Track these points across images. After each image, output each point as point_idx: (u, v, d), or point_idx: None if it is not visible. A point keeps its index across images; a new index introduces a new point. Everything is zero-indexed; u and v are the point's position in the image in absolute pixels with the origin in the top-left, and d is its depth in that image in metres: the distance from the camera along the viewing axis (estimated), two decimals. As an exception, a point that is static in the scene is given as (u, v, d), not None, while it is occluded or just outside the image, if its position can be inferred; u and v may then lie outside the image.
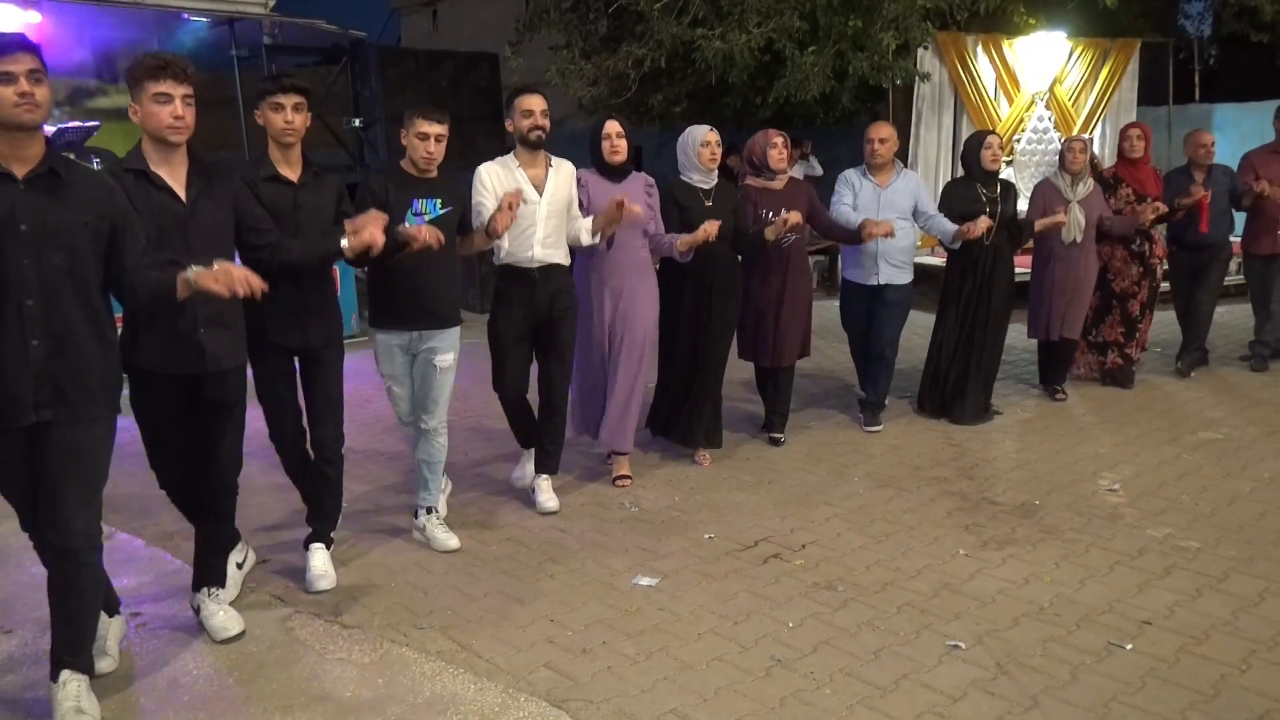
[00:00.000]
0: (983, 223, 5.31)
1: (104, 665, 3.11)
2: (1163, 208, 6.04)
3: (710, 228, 4.50)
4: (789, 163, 5.37)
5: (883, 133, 5.49)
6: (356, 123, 11.44)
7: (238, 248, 3.27)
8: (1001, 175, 5.76)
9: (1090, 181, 6.05)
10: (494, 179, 4.28)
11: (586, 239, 4.45)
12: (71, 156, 7.93)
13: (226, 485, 3.39)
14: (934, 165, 10.06)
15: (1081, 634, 3.24)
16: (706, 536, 4.14)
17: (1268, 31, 10.77)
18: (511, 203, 3.98)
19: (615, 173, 4.63)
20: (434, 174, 4.00)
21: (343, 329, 3.86)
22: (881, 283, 5.51)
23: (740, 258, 5.08)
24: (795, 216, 4.81)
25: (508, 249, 4.33)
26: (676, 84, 11.42)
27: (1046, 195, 6.03)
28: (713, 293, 4.90)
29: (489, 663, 3.15)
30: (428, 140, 3.92)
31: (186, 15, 9.32)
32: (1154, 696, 2.88)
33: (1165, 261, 6.46)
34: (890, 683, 2.98)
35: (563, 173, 4.40)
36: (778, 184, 5.19)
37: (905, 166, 5.69)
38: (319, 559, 3.77)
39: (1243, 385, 6.41)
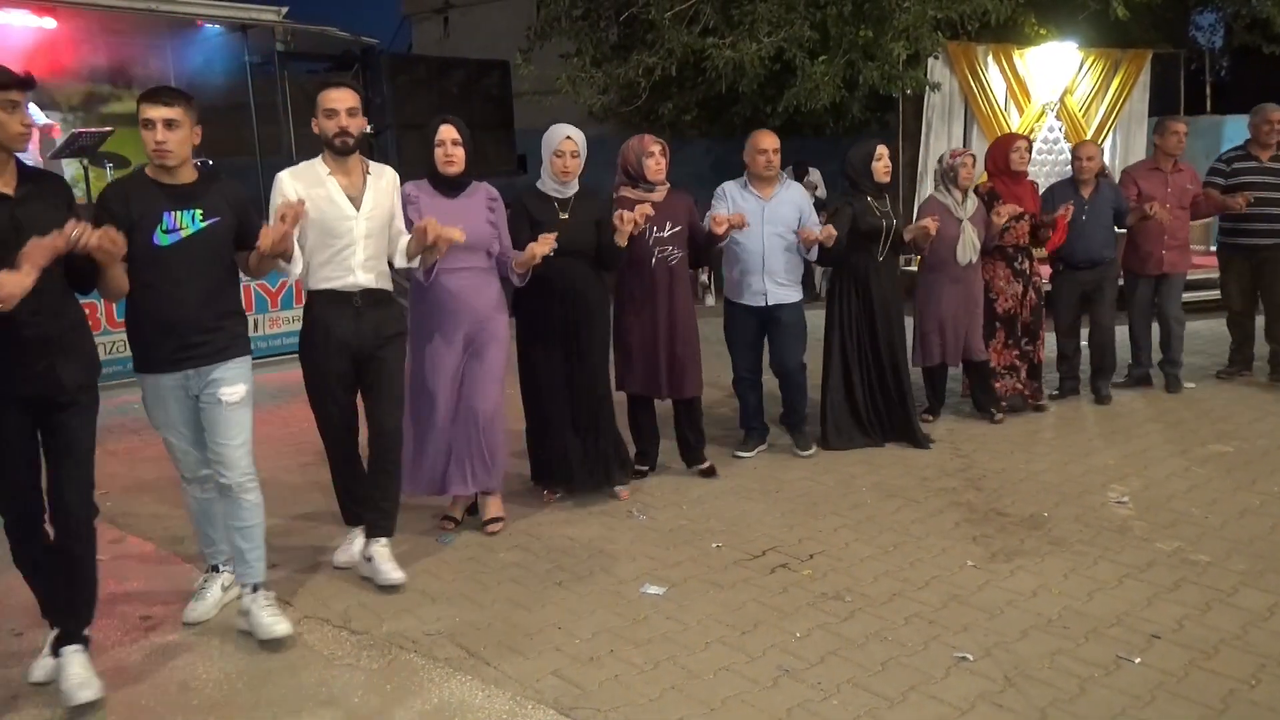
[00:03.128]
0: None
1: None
2: (1016, 209, 5.66)
3: (537, 248, 4.06)
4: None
5: (773, 143, 5.08)
6: (368, 129, 11.48)
7: None
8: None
9: (974, 198, 5.72)
10: (297, 189, 3.62)
11: (400, 261, 3.85)
12: (86, 161, 7.92)
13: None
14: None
15: (1090, 647, 3.24)
16: (714, 546, 4.14)
17: (1279, 43, 10.74)
18: (285, 214, 3.30)
19: (449, 185, 4.09)
20: (190, 178, 3.30)
21: (98, 369, 3.15)
22: (771, 304, 5.11)
23: (606, 277, 4.62)
24: (643, 210, 4.34)
25: (322, 272, 3.69)
26: (687, 93, 11.46)
27: (934, 213, 5.54)
28: (578, 316, 4.43)
29: (497, 670, 3.16)
30: (153, 129, 3.16)
31: (200, 22, 9.38)
32: (1162, 711, 2.87)
33: (1047, 281, 6.18)
34: (898, 694, 2.98)
35: (384, 182, 3.81)
36: (656, 195, 4.68)
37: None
38: (77, 664, 3.01)
39: (1252, 398, 6.38)
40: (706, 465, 5.06)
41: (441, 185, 4.10)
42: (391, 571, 3.77)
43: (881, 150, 5.31)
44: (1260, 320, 6.73)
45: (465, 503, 4.42)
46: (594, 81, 10.16)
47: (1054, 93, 10.39)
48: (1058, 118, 10.50)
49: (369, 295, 3.75)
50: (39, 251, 2.71)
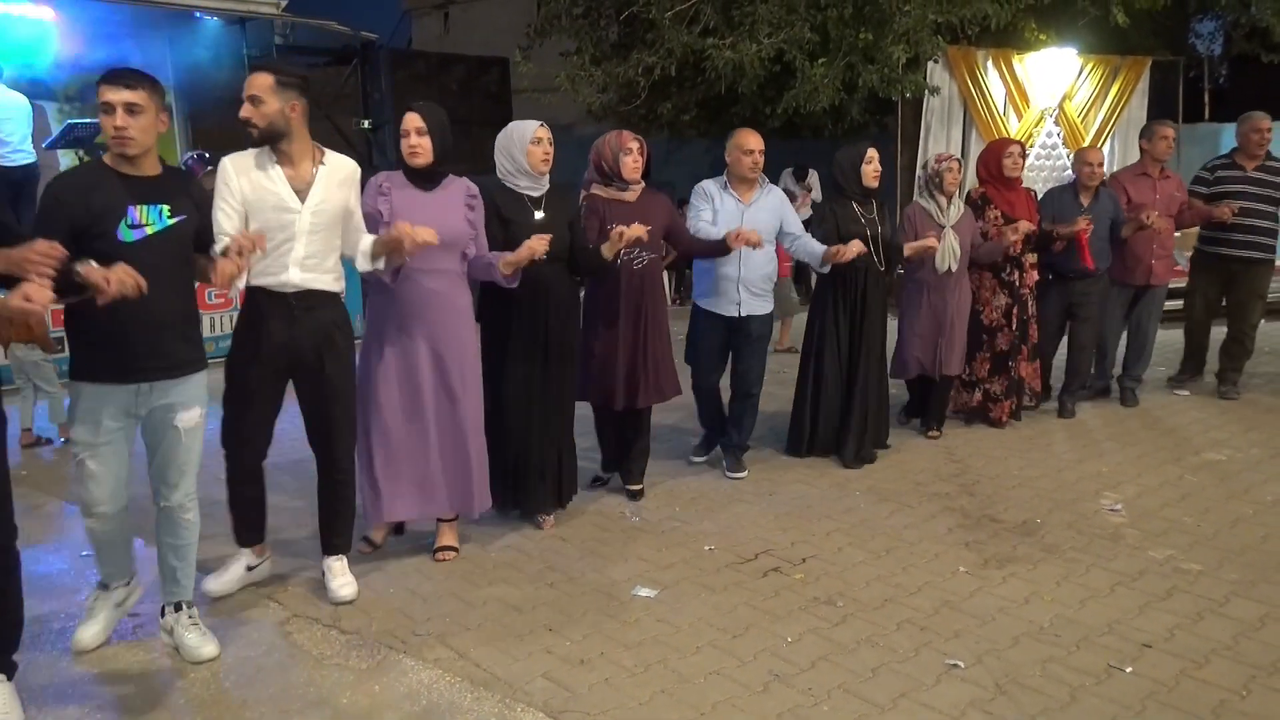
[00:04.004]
0: (855, 246, 4.79)
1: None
2: (1031, 227, 5.52)
3: (536, 244, 3.79)
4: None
5: (760, 143, 4.82)
6: (365, 124, 11.47)
7: None
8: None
9: (961, 204, 5.53)
10: (241, 178, 3.37)
11: (364, 264, 3.59)
12: (82, 151, 7.90)
13: None
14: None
15: (1081, 655, 3.23)
16: (707, 548, 4.13)
17: (1278, 52, 10.76)
18: (243, 246, 3.03)
19: (423, 177, 3.81)
20: (155, 170, 3.05)
21: None
22: (744, 314, 4.87)
23: (579, 280, 4.41)
24: (637, 229, 4.11)
25: (258, 268, 3.39)
26: (686, 93, 11.44)
27: (917, 220, 5.42)
28: (548, 323, 4.17)
29: (487, 672, 3.14)
30: (112, 113, 2.94)
31: (199, 14, 9.35)
32: (1153, 720, 2.87)
33: (1035, 292, 5.89)
34: (889, 700, 2.97)
35: (338, 174, 3.51)
36: (630, 195, 4.45)
37: (771, 183, 5.06)
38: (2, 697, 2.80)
39: (1246, 407, 6.39)
40: (637, 488, 4.74)
41: (415, 177, 3.82)
42: (341, 589, 3.61)
43: (872, 153, 5.10)
44: (1214, 332, 6.63)
45: (388, 528, 4.13)
46: (593, 80, 10.15)
47: (1053, 98, 10.42)
48: (1056, 123, 10.53)
49: (307, 297, 3.44)
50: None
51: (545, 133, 4.11)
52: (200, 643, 3.20)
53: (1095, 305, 6.07)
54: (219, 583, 3.69)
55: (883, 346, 5.29)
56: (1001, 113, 10.25)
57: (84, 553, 4.05)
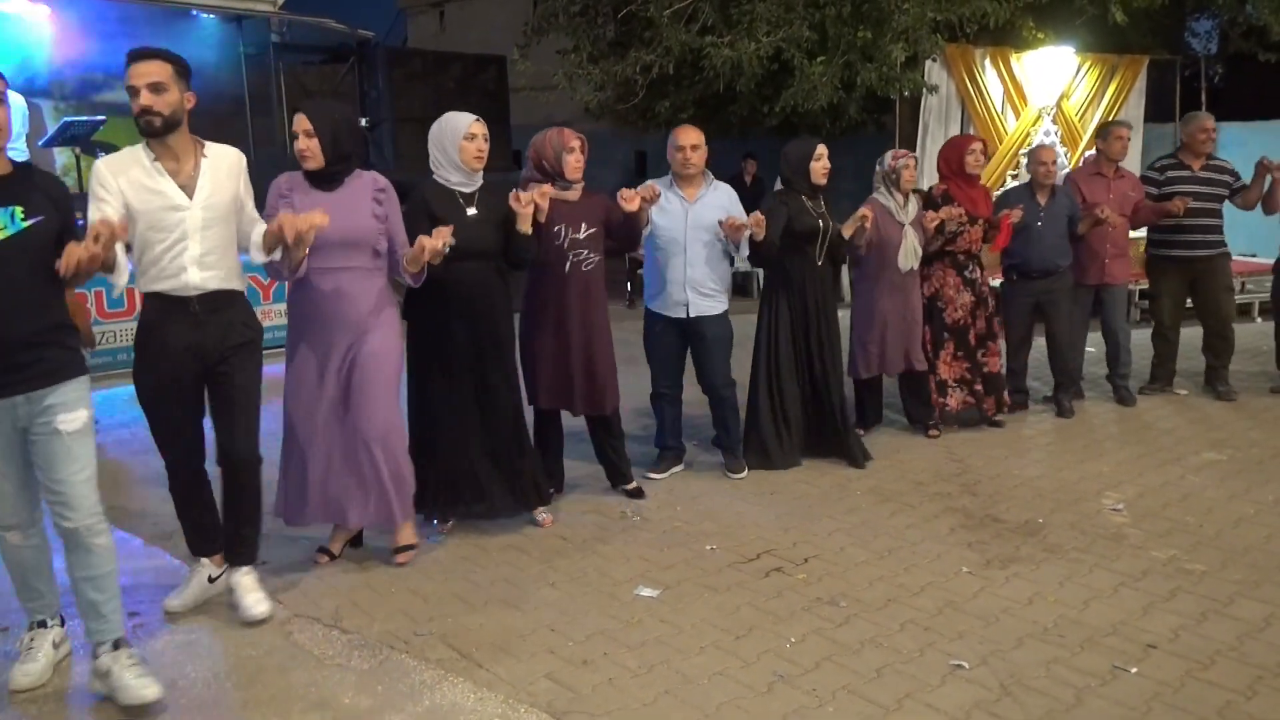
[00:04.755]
0: (863, 212, 4.86)
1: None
2: (954, 213, 5.40)
3: (429, 241, 3.61)
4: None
5: (693, 138, 4.69)
6: (363, 122, 11.44)
7: None
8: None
9: (916, 202, 5.44)
10: (120, 180, 3.17)
11: (257, 255, 3.41)
12: (78, 150, 7.86)
13: None
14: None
15: (1086, 656, 3.22)
16: (709, 548, 4.12)
17: (1275, 51, 10.78)
18: (100, 234, 2.71)
19: (320, 179, 3.65)
20: (4, 170, 2.86)
21: None
22: (693, 315, 4.74)
23: (512, 282, 4.25)
24: (546, 189, 4.00)
25: (151, 272, 3.22)
26: (684, 91, 11.42)
27: (876, 216, 5.25)
28: (482, 326, 4.04)
29: (489, 672, 3.13)
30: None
31: (195, 11, 9.33)
32: (1159, 721, 2.86)
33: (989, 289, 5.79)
34: (893, 702, 2.96)
35: (223, 164, 3.32)
36: (572, 195, 4.35)
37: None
38: None
39: (1247, 406, 6.38)
40: (633, 486, 4.71)
41: (314, 178, 3.66)
42: (255, 605, 3.41)
43: (821, 150, 4.97)
44: (1185, 333, 6.60)
45: (346, 535, 3.98)
46: (591, 78, 10.14)
47: (1050, 97, 10.42)
48: (1054, 122, 10.52)
49: (210, 299, 3.27)
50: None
51: (481, 129, 3.99)
52: (142, 685, 2.87)
53: (1065, 302, 6.01)
54: (180, 600, 3.53)
55: (838, 345, 5.17)
56: (999, 111, 10.24)
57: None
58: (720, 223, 4.69)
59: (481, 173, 4.06)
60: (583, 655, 3.23)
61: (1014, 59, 10.22)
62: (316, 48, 11.54)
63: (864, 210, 5.13)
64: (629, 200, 4.31)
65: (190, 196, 3.22)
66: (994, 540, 4.19)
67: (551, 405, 4.52)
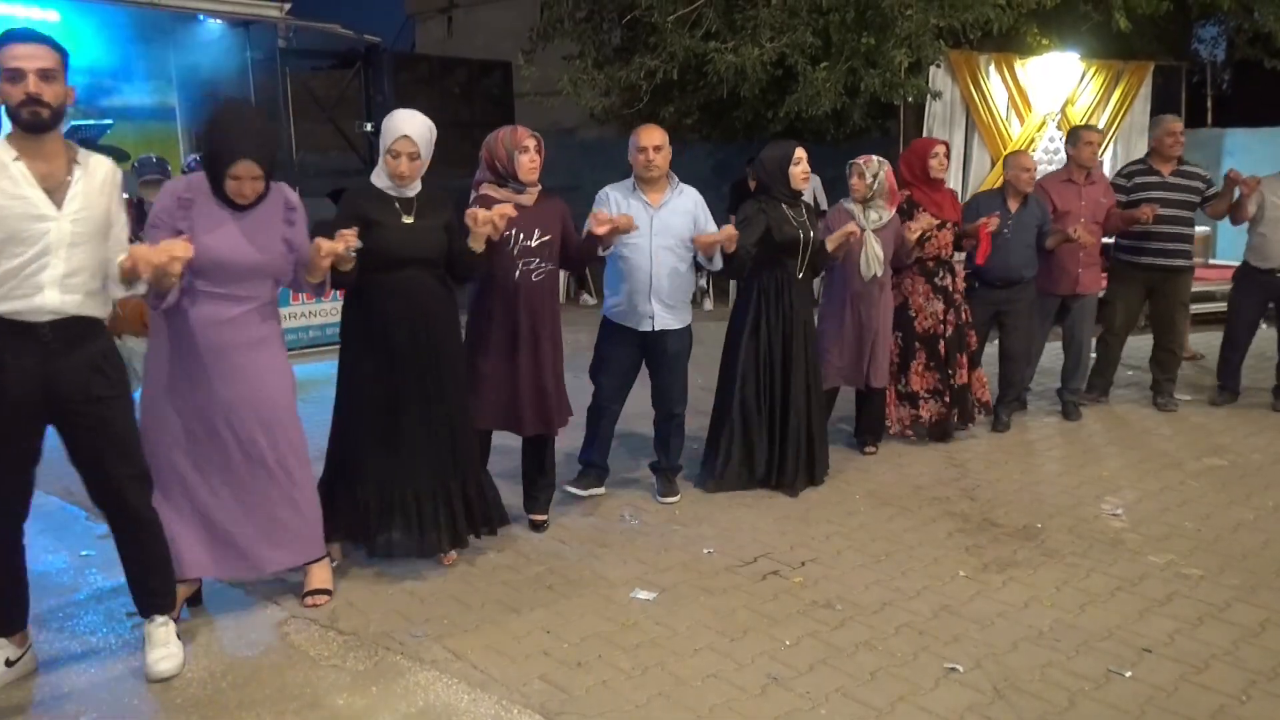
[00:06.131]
0: (850, 227, 4.64)
1: None
2: (932, 221, 5.28)
3: (327, 245, 3.27)
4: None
5: (656, 138, 4.40)
6: (368, 127, 11.49)
7: None
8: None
9: (885, 208, 5.16)
10: None
11: (115, 288, 2.97)
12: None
13: None
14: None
15: (1081, 660, 3.22)
16: (706, 551, 4.12)
17: (1281, 58, 10.76)
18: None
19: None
20: None
21: None
22: (658, 329, 4.45)
23: (456, 291, 3.91)
24: (506, 209, 3.69)
25: (1, 292, 2.76)
26: (688, 96, 11.44)
27: (840, 222, 5.06)
28: (423, 340, 3.68)
29: (483, 673, 3.14)
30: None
31: (202, 16, 9.37)
32: (1152, 726, 2.86)
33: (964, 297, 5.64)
34: (887, 704, 2.96)
35: (98, 177, 2.90)
36: (526, 198, 4.03)
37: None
38: None
39: (1247, 412, 6.37)
40: (543, 519, 4.34)
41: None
42: (158, 662, 3.05)
43: (800, 153, 4.69)
44: (1132, 342, 6.55)
45: (191, 588, 3.49)
46: (596, 84, 10.15)
47: (1055, 103, 10.40)
48: (1059, 128, 10.50)
49: (65, 326, 2.82)
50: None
51: (407, 146, 3.60)
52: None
53: (1024, 314, 5.86)
54: None
55: (817, 363, 4.96)
56: (1004, 117, 10.23)
57: (83, 552, 4.05)
58: (693, 239, 4.46)
59: (418, 182, 3.73)
60: (577, 657, 3.24)
61: (1018, 65, 10.21)
62: (324, 53, 11.57)
63: (850, 226, 4.94)
64: (600, 224, 4.05)
65: (59, 207, 2.80)
66: (991, 545, 4.19)
67: (494, 427, 4.17)
